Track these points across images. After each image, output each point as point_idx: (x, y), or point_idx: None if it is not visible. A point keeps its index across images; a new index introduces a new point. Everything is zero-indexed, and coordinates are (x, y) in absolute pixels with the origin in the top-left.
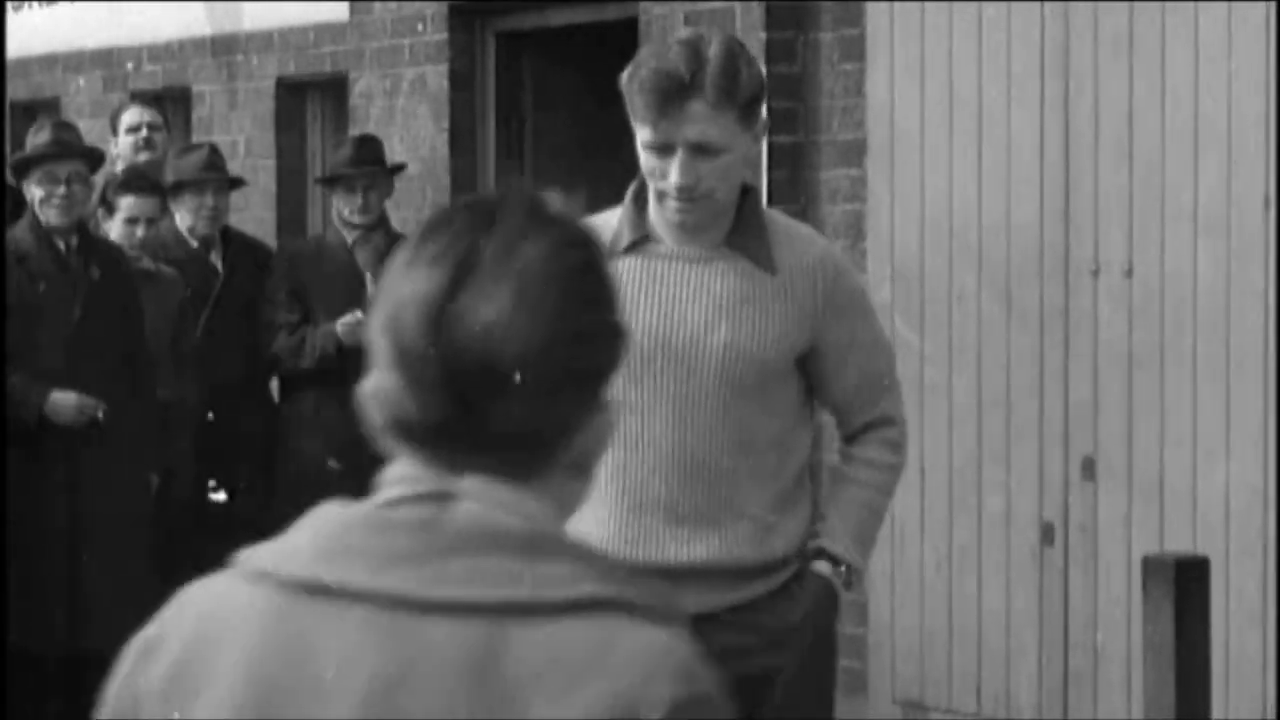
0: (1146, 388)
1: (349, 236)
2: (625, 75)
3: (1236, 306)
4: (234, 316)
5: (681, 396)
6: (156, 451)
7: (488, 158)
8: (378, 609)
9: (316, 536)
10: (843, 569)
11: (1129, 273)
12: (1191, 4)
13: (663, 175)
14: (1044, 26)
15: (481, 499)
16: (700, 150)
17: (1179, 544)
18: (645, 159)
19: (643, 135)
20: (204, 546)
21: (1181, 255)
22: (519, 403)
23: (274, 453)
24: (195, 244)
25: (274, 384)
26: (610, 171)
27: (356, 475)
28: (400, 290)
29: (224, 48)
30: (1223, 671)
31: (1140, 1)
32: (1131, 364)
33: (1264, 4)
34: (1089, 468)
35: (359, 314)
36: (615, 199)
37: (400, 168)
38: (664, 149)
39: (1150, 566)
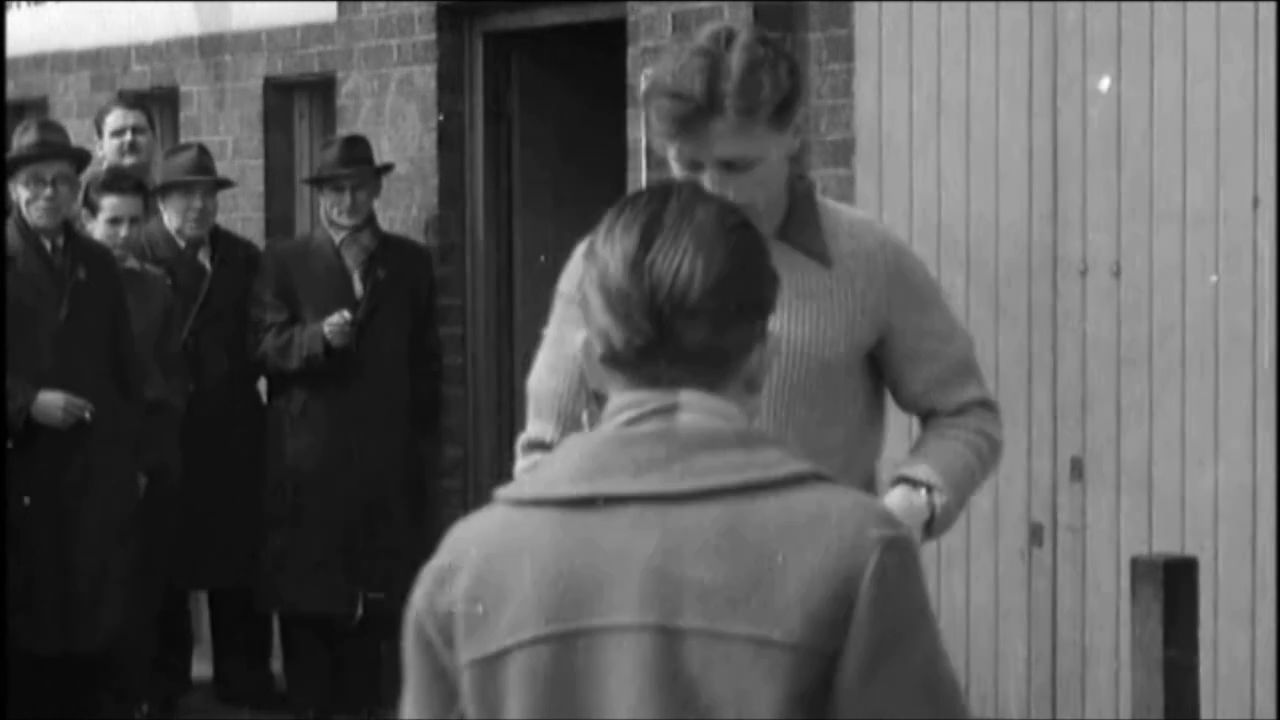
0: (1135, 388)
1: (337, 236)
2: (643, 88)
3: (1225, 306)
4: (222, 316)
5: None
6: (144, 451)
7: (476, 158)
8: (641, 507)
9: (574, 461)
10: (922, 492)
11: (1117, 272)
12: (1179, 5)
13: None
14: (1032, 27)
15: (696, 409)
16: (730, 166)
17: (1167, 544)
18: (677, 170)
19: (669, 151)
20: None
21: (1170, 255)
22: (703, 326)
23: (261, 453)
24: (183, 244)
25: (262, 384)
26: (598, 171)
27: (343, 470)
28: (604, 253)
29: (212, 48)
30: (1211, 672)
31: (1128, 2)
32: (1120, 364)
33: (1251, 5)
34: (1077, 468)
35: (346, 314)
36: (602, 197)
37: (388, 168)
38: (692, 166)
39: (1139, 567)
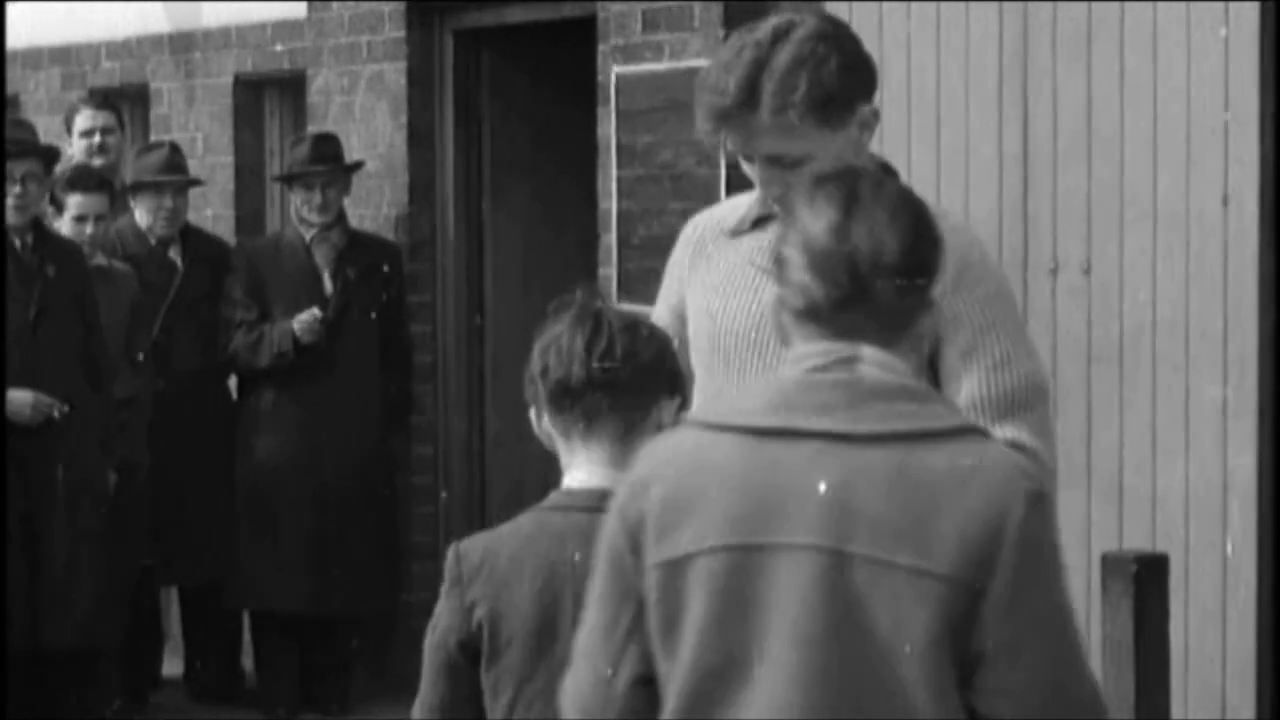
0: (1105, 385)
1: (307, 234)
2: (698, 85)
3: (1195, 305)
4: (193, 313)
5: None
6: (114, 447)
7: (446, 155)
8: (823, 443)
9: (765, 397)
10: None
11: (1087, 271)
12: (1150, 4)
13: (754, 180)
14: (1002, 25)
15: (874, 362)
16: (777, 161)
17: (1138, 541)
18: (741, 162)
19: (717, 142)
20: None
21: (1140, 253)
22: (894, 284)
23: (231, 449)
24: (154, 241)
25: (232, 381)
26: (568, 168)
27: (313, 468)
28: (806, 220)
29: (182, 45)
30: (1182, 669)
31: (1099, 1)
32: (1090, 362)
33: (1222, 3)
34: None
35: (316, 311)
36: (572, 193)
37: (358, 165)
38: (745, 159)
39: (1109, 564)
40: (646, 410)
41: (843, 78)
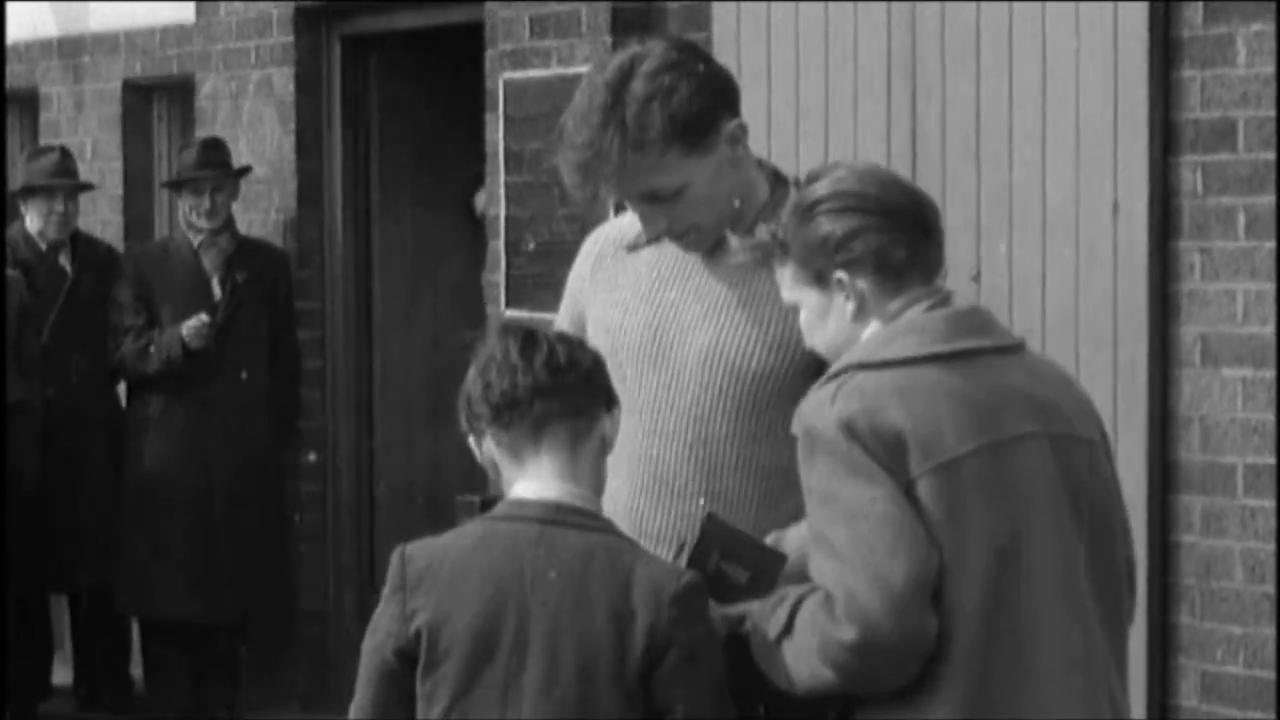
0: None
1: (195, 239)
2: (556, 143)
3: (1085, 312)
4: (82, 319)
5: (658, 403)
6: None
7: (334, 160)
8: (997, 355)
9: (933, 332)
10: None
11: (977, 277)
12: (1038, 6)
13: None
14: (890, 29)
15: (953, 295)
16: (655, 198)
17: None
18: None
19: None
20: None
21: (1030, 260)
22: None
23: (120, 455)
24: (44, 246)
25: (121, 387)
26: (455, 173)
27: (202, 474)
28: (877, 193)
29: (71, 49)
30: None
31: (987, 3)
32: None
33: (1111, 6)
34: None
35: (204, 317)
36: (460, 200)
37: (246, 170)
38: (628, 202)
39: None
40: (591, 420)
41: (696, 102)
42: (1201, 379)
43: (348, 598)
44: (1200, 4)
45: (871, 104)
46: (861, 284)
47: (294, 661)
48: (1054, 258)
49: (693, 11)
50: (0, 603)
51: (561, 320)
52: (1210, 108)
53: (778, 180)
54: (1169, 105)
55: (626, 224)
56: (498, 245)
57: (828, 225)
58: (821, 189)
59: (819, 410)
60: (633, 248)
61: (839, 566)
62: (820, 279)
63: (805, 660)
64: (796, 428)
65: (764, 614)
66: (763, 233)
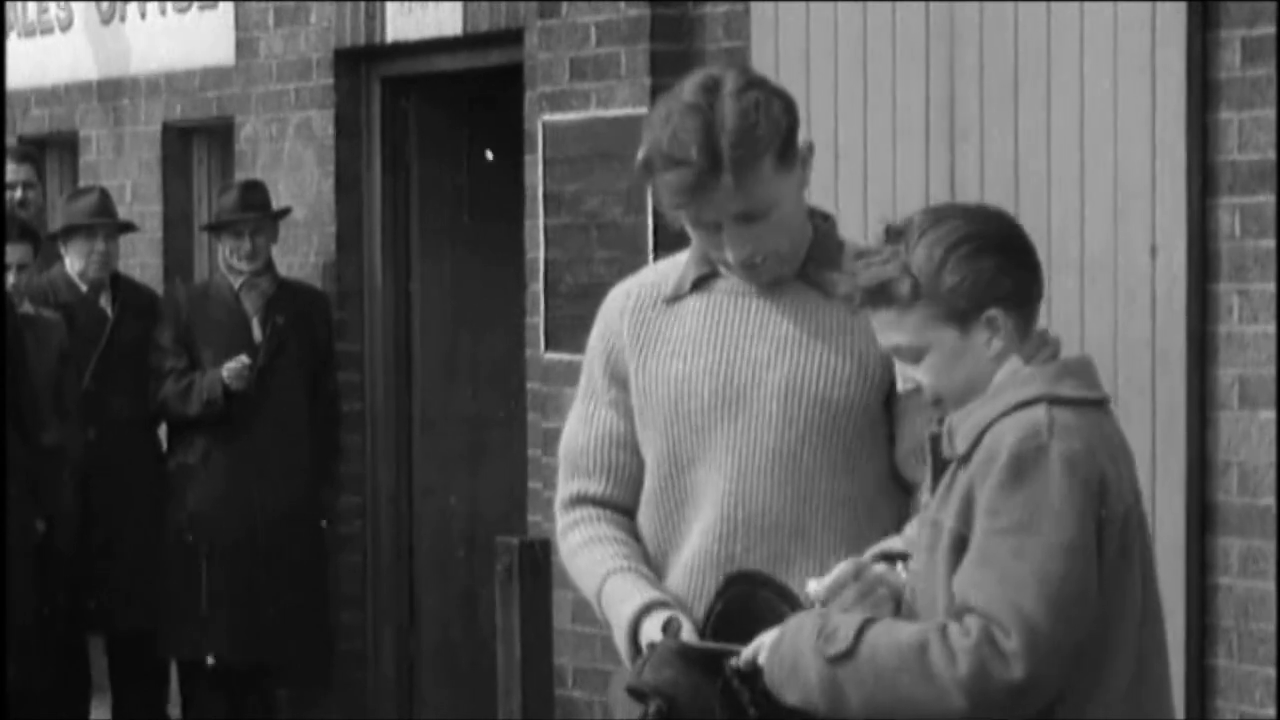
0: None
1: (235, 281)
2: (639, 160)
3: (1123, 355)
4: (123, 361)
5: (740, 445)
6: (42, 496)
7: (373, 202)
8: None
9: (1079, 377)
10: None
11: None
12: (1076, 48)
13: (718, 248)
14: (929, 74)
15: None
16: (748, 218)
17: None
18: (694, 233)
19: (683, 217)
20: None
21: (1068, 303)
22: None
23: (162, 499)
24: (85, 288)
25: (162, 430)
26: (495, 215)
27: (243, 517)
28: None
29: (111, 92)
30: None
31: (1025, 45)
32: None
33: (1149, 48)
34: None
35: (245, 359)
36: (499, 242)
37: (285, 212)
38: (711, 227)
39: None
40: None
41: (785, 118)
42: (1239, 421)
43: (387, 640)
44: (1238, 46)
45: (910, 146)
46: (1010, 322)
47: (333, 703)
48: (1092, 300)
49: (730, 54)
50: (0, 637)
51: (594, 383)
52: (1248, 150)
53: (816, 216)
54: (1207, 147)
55: (656, 278)
56: (537, 288)
57: (973, 265)
58: (954, 230)
59: (1033, 438)
60: (674, 299)
61: (1017, 598)
62: (963, 319)
63: (916, 687)
64: (996, 451)
65: (801, 633)
66: (861, 269)
